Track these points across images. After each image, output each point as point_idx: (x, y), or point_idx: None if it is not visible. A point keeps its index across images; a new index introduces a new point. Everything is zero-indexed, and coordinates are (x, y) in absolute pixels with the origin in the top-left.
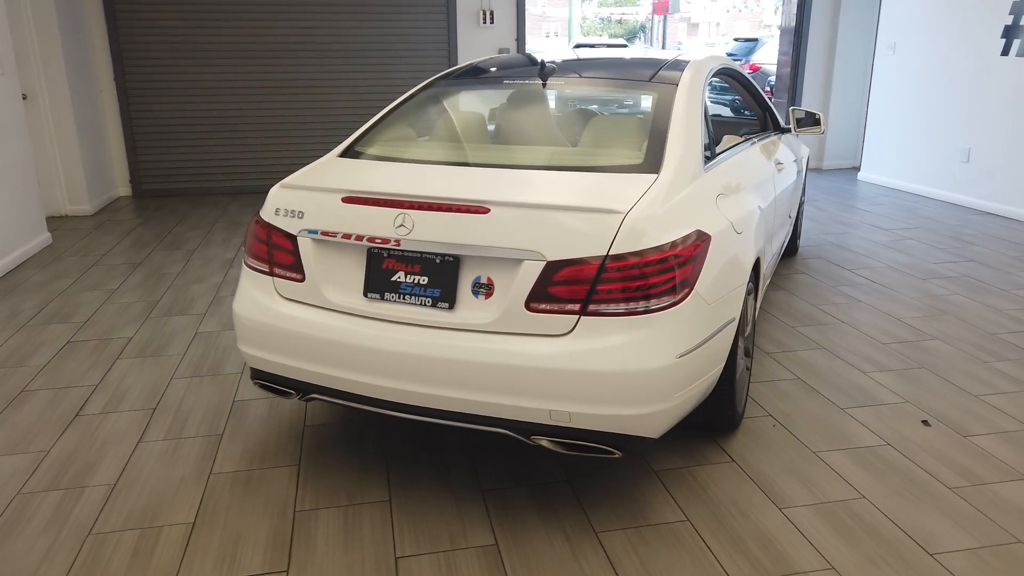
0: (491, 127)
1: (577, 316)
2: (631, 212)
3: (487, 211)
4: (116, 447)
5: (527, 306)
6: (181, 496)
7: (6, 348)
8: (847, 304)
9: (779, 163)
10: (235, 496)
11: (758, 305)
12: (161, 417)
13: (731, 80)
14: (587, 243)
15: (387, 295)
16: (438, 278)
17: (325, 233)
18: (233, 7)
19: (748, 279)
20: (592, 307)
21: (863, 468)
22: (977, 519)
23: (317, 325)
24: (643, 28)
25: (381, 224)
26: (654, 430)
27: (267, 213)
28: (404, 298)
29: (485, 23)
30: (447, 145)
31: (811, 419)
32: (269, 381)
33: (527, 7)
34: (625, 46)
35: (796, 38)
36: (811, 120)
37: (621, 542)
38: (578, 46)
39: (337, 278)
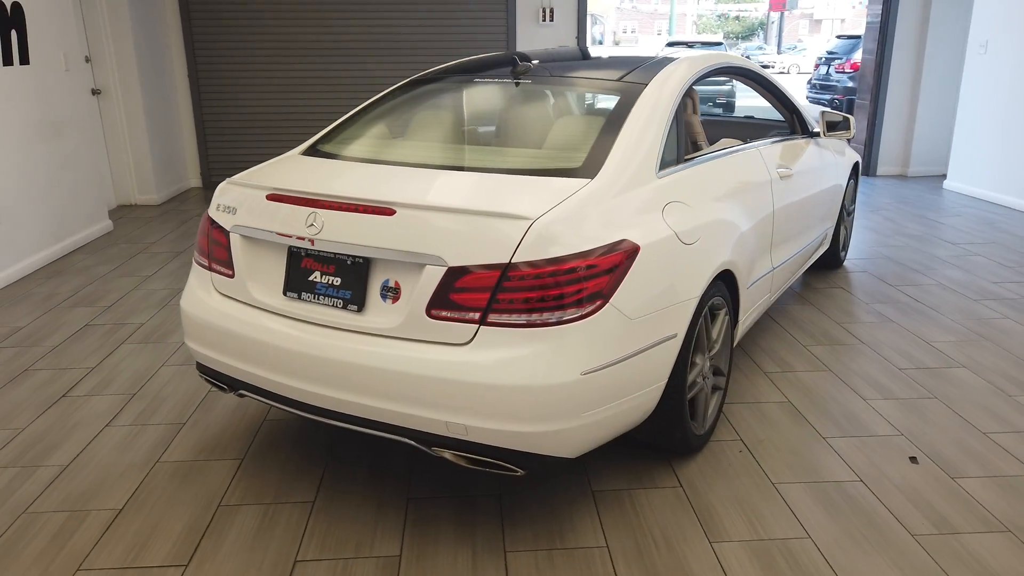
0: (449, 127)
1: (477, 326)
2: (542, 218)
3: (392, 212)
4: (84, 430)
5: (428, 312)
6: (121, 482)
7: (29, 328)
8: (876, 324)
9: (785, 169)
10: (170, 486)
11: (742, 321)
12: (137, 403)
13: (748, 81)
14: (489, 249)
15: (304, 295)
16: (350, 280)
17: (250, 229)
18: (300, 6)
19: (702, 293)
20: (492, 317)
21: (821, 505)
22: (931, 573)
23: (241, 322)
24: (762, 25)
25: (295, 223)
26: (565, 450)
27: (212, 208)
28: (319, 299)
29: (545, 20)
30: (394, 144)
31: (784, 447)
32: (208, 375)
33: (639, 4)
34: (720, 44)
35: (881, 35)
36: (845, 124)
37: (527, 564)
38: (670, 44)
39: (261, 276)
